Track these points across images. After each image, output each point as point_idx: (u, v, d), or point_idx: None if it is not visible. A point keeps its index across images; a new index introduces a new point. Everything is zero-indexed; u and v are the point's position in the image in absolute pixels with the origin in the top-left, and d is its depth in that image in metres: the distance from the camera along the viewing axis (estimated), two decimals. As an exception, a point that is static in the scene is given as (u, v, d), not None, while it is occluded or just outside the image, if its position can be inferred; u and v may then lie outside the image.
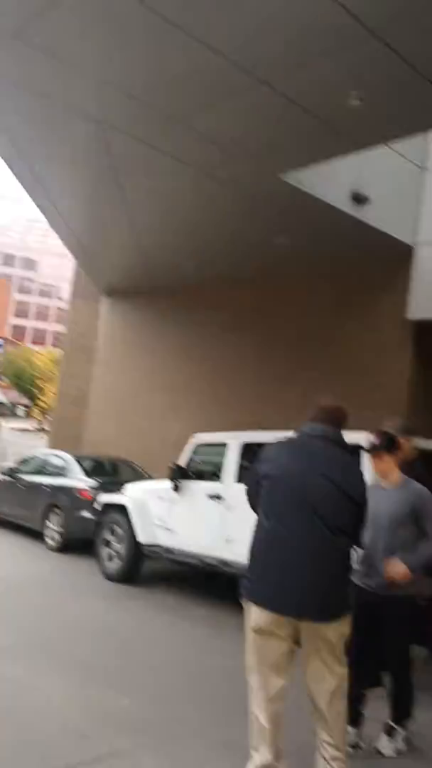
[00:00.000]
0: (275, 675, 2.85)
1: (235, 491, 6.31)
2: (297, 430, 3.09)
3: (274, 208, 8.31)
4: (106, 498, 7.88)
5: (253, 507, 3.08)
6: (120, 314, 14.17)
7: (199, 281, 11.72)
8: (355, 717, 3.50)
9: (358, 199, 8.18)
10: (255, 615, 2.85)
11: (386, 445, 3.55)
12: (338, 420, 3.05)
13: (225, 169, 7.46)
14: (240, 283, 11.11)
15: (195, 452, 7.05)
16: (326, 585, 2.82)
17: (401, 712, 3.59)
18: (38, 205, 10.53)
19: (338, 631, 2.89)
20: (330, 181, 7.89)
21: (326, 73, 5.37)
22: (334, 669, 2.89)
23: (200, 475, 7.01)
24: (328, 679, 2.88)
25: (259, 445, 6.26)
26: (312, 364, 9.76)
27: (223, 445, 6.67)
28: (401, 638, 3.53)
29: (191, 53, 5.25)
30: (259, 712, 2.83)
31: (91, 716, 3.74)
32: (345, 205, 8.15)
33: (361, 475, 3.03)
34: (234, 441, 6.59)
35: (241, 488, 6.08)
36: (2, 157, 8.86)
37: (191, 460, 7.05)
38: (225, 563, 6.24)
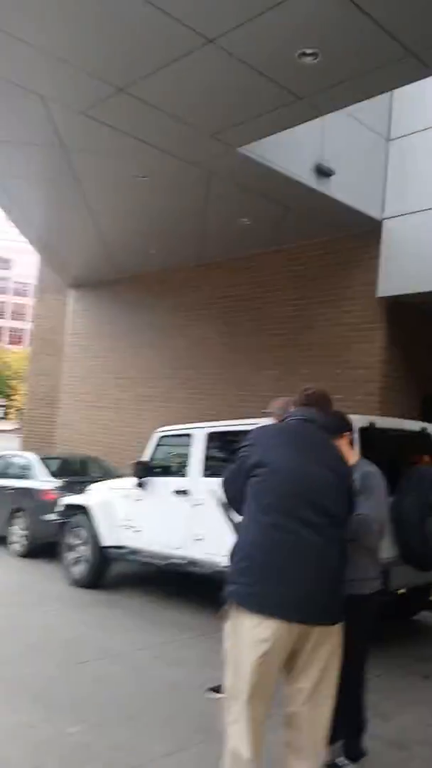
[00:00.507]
0: (265, 699, 2.43)
1: (202, 486, 5.91)
2: (285, 416, 2.93)
3: (235, 184, 7.87)
4: (67, 499, 7.42)
5: (235, 500, 2.69)
6: (87, 307, 13.68)
7: (163, 267, 11.31)
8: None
9: (322, 171, 7.77)
10: (255, 626, 2.38)
11: (335, 428, 3.13)
12: (326, 405, 2.92)
13: (179, 143, 6.98)
14: (205, 266, 10.70)
15: (159, 446, 6.62)
16: (337, 582, 2.52)
17: (342, 729, 3.09)
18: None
19: (341, 633, 2.56)
20: (292, 154, 7.46)
21: (276, 27, 4.92)
22: (334, 682, 2.53)
23: (166, 471, 6.61)
24: (329, 699, 2.52)
25: (227, 434, 5.99)
26: (283, 346, 9.38)
27: (188, 436, 6.25)
28: (353, 641, 2.95)
29: (129, 10, 4.78)
30: (242, 744, 2.37)
31: (31, 749, 3.31)
32: (309, 180, 7.75)
33: (347, 461, 2.85)
34: (199, 432, 6.16)
35: (208, 482, 5.75)
36: None
37: (155, 454, 6.63)
38: (194, 563, 5.84)
